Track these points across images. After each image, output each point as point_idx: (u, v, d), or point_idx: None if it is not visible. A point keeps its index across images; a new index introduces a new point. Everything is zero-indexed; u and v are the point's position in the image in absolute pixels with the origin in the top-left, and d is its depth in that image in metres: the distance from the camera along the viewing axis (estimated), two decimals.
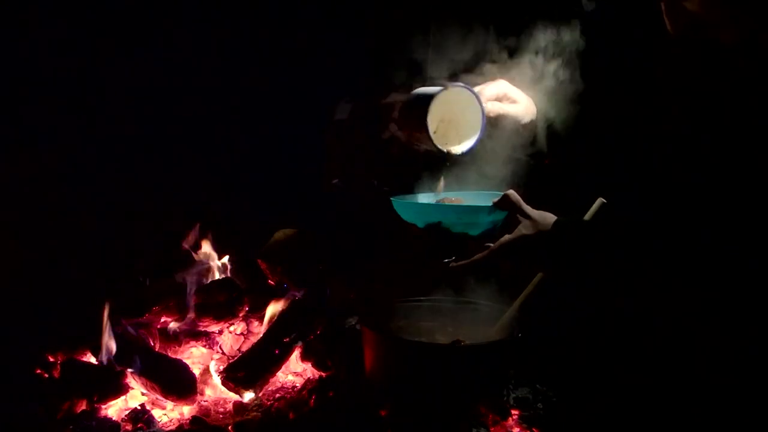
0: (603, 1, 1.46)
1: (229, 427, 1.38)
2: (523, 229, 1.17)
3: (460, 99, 1.41)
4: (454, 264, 1.23)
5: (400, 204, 1.31)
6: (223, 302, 1.76)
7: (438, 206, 1.32)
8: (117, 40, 2.13)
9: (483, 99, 1.41)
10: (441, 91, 1.36)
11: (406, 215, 1.30)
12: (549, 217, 1.19)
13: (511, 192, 1.21)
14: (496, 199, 1.21)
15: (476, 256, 1.21)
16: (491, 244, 1.20)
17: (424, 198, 1.41)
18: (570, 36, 1.46)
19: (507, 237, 1.18)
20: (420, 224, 1.27)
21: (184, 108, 2.24)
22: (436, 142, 1.38)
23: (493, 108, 1.44)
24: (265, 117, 2.29)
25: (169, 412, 1.49)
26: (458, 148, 1.42)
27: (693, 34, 1.04)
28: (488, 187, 1.41)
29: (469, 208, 1.30)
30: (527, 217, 1.18)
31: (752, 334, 1.12)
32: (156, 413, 1.45)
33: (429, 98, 1.35)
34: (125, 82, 2.17)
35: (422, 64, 1.77)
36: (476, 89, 1.42)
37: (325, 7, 2.15)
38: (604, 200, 1.25)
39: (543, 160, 1.58)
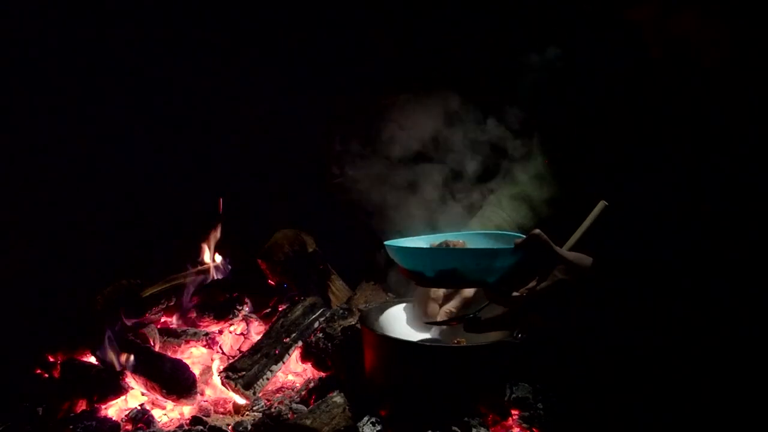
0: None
1: (229, 427, 1.38)
2: (559, 273, 1.00)
3: None
4: (484, 317, 1.09)
5: (400, 251, 1.09)
6: (223, 302, 1.76)
7: (453, 251, 1.12)
8: (118, 40, 2.13)
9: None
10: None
11: (408, 263, 1.09)
12: (585, 259, 1.02)
13: (539, 232, 1.01)
14: (519, 240, 1.02)
15: (507, 310, 1.05)
16: (516, 293, 1.03)
17: (419, 242, 1.22)
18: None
19: (542, 285, 1.01)
20: (429, 273, 1.07)
21: (184, 108, 2.24)
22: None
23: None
24: (265, 117, 2.29)
25: (169, 412, 1.49)
26: None
27: (675, 56, 1.05)
28: None
29: (490, 251, 1.10)
30: (560, 260, 1.01)
31: (749, 340, 1.12)
32: (156, 413, 1.45)
33: None
34: (125, 82, 2.17)
35: (422, 64, 1.78)
36: None
37: (326, 7, 2.15)
38: (606, 203, 1.21)
39: (542, 160, 1.59)
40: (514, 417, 1.38)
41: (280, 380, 1.63)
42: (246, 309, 1.79)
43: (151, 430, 1.37)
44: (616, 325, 1.06)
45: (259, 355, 1.56)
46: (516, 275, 1.03)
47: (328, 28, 2.15)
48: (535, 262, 1.02)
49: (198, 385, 1.51)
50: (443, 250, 1.15)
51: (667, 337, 1.06)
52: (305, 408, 1.41)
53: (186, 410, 1.48)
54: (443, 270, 1.05)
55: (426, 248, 1.17)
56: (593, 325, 1.07)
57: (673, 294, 1.00)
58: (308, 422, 1.30)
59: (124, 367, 1.52)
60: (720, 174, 1.12)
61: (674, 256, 1.05)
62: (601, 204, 1.17)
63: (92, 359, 1.59)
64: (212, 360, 1.66)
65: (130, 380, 1.51)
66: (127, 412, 1.41)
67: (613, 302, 1.01)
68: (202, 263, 1.94)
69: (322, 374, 1.60)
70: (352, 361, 1.49)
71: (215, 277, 1.92)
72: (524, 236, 1.03)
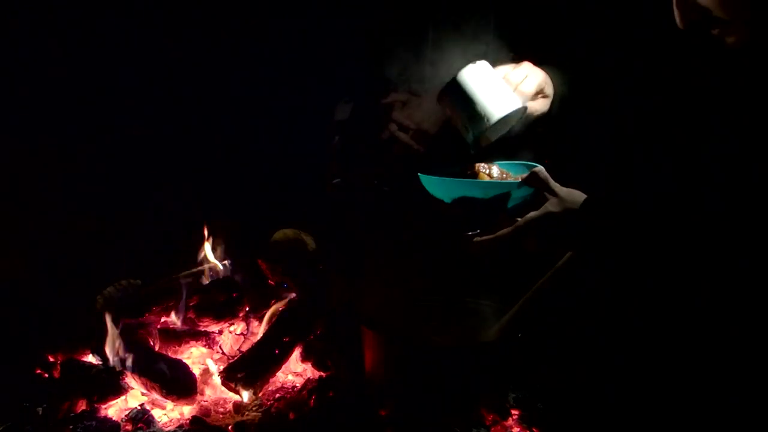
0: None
1: (229, 427, 1.38)
2: (550, 206, 1.16)
3: None
4: (479, 238, 1.21)
5: (426, 180, 1.27)
6: (223, 302, 1.76)
7: (463, 182, 1.27)
8: (117, 38, 2.13)
9: (525, 97, 1.37)
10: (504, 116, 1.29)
11: (433, 190, 1.26)
12: (577, 195, 1.17)
13: (540, 169, 1.18)
14: (524, 176, 1.20)
15: (501, 232, 1.19)
16: (519, 220, 1.19)
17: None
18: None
19: (533, 213, 1.17)
20: (447, 199, 1.24)
21: (184, 108, 2.24)
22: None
23: (534, 108, 1.41)
24: (265, 117, 2.28)
25: (169, 412, 1.49)
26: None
27: (700, 31, 1.05)
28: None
29: (495, 184, 1.26)
30: (554, 194, 1.16)
31: (752, 333, 1.12)
32: (156, 413, 1.45)
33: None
34: (125, 81, 2.17)
35: (421, 64, 1.77)
36: (514, 82, 1.37)
37: (325, 6, 2.14)
38: None
39: (543, 160, 1.58)
40: (514, 417, 1.38)
41: (280, 380, 1.63)
42: (246, 309, 1.79)
43: (151, 430, 1.37)
44: (596, 263, 1.23)
45: (259, 355, 1.56)
46: (522, 206, 1.21)
47: (329, 28, 2.15)
48: (536, 195, 1.19)
49: (198, 385, 1.51)
50: (455, 180, 1.27)
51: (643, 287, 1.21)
52: (305, 408, 1.41)
53: (186, 410, 1.48)
54: (457, 198, 1.22)
55: (440, 178, 1.28)
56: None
57: (647, 241, 1.12)
58: (308, 422, 1.28)
59: (124, 367, 1.52)
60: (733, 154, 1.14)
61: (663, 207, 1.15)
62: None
63: (92, 359, 1.59)
64: (212, 360, 1.66)
65: (130, 380, 1.51)
66: (127, 412, 1.41)
67: (593, 238, 1.15)
68: (202, 263, 1.94)
69: (322, 374, 1.60)
70: (352, 361, 1.49)
71: (215, 277, 1.92)
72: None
